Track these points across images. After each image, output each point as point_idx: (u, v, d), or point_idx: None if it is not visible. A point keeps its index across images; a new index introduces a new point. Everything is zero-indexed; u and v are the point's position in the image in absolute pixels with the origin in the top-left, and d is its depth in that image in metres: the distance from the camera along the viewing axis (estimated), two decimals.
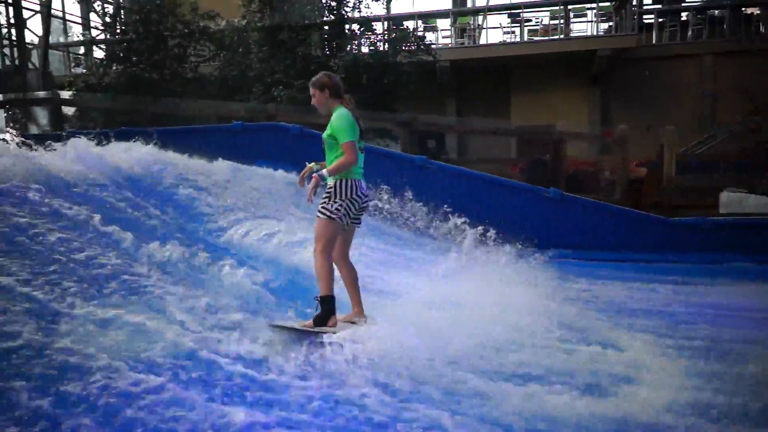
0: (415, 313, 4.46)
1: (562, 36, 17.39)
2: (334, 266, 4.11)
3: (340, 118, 4.03)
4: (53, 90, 18.65)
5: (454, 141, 17.01)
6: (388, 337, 3.66)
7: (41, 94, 18.81)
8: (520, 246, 6.75)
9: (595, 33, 17.51)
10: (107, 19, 19.67)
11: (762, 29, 17.49)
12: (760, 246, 8.62)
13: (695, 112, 16.65)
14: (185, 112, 16.05)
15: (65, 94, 18.16)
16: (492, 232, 6.96)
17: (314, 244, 4.05)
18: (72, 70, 22.65)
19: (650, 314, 5.76)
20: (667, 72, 16.86)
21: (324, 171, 4.02)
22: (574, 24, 17.95)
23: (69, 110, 18.89)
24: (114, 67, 17.28)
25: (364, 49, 15.90)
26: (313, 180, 3.99)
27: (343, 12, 15.92)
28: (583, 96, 17.53)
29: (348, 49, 15.76)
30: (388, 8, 17.07)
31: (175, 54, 17.17)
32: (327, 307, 3.95)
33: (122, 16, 20.01)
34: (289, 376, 3.37)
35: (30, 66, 19.85)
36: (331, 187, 4.05)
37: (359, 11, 15.94)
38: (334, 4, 15.85)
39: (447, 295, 5.06)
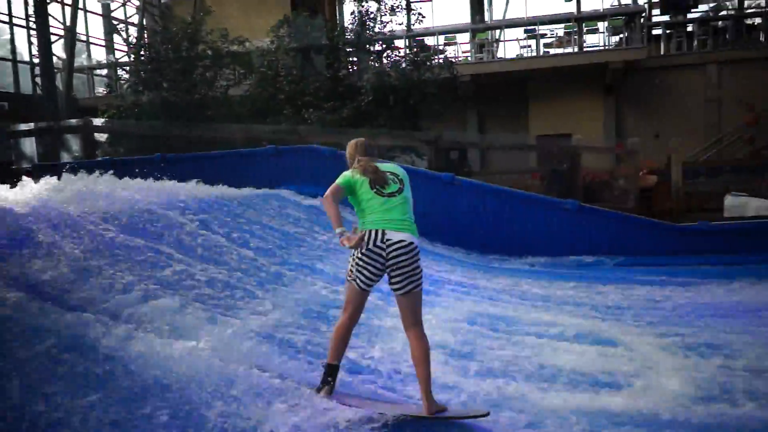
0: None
1: (576, 49, 19.62)
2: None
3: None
4: (85, 117, 20.41)
5: (476, 153, 19.25)
6: None
7: (73, 121, 20.63)
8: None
9: (607, 45, 19.76)
10: (132, 41, 21.44)
11: (763, 38, 19.75)
12: (759, 248, 10.07)
13: (702, 119, 18.92)
14: (216, 135, 17.72)
15: (97, 121, 20.06)
16: None
17: None
18: (96, 93, 24.83)
19: (656, 313, 7.01)
20: (675, 81, 19.20)
21: None
22: (588, 36, 20.17)
23: (101, 137, 20.65)
24: (144, 92, 18.97)
25: (387, 65, 17.89)
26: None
27: (367, 32, 17.91)
28: (598, 106, 19.80)
29: (371, 65, 17.77)
30: (408, 26, 19.11)
31: (205, 78, 19.15)
32: (325, 376, 3.84)
33: (146, 39, 21.90)
34: None
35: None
36: None
37: (383, 26, 17.90)
38: (357, 28, 17.94)
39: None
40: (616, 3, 21.31)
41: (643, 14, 19.70)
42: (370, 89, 16.35)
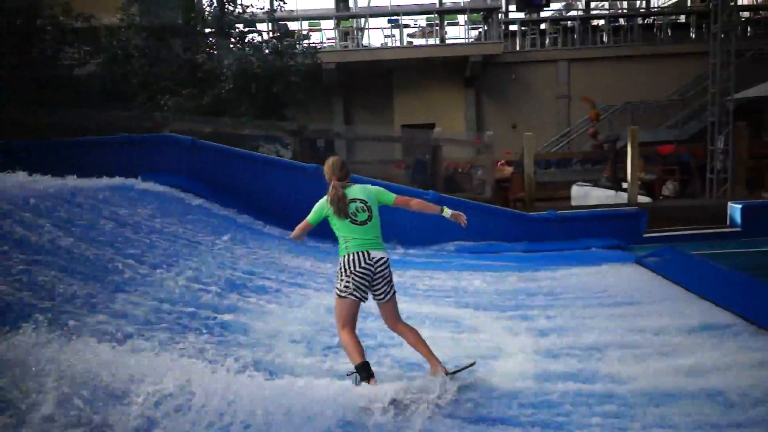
0: None
1: (438, 40, 20.62)
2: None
3: None
4: None
5: (343, 142, 19.74)
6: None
7: None
8: None
9: (467, 39, 20.99)
10: None
11: (606, 39, 22.01)
12: (599, 234, 11.33)
13: (554, 113, 20.79)
14: (63, 120, 16.48)
15: None
16: None
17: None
18: None
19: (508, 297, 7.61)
20: (530, 76, 20.89)
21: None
22: (450, 28, 21.29)
23: None
24: None
25: (249, 51, 17.67)
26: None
27: (227, 15, 17.58)
28: (460, 97, 21.02)
29: (232, 50, 17.48)
30: (270, 10, 18.93)
31: (46, 57, 17.80)
32: (362, 374, 4.34)
33: None
34: None
35: None
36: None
37: (242, 10, 17.68)
38: (216, 10, 17.57)
39: None
40: None
41: (500, 10, 21.14)
42: (231, 76, 16.11)
